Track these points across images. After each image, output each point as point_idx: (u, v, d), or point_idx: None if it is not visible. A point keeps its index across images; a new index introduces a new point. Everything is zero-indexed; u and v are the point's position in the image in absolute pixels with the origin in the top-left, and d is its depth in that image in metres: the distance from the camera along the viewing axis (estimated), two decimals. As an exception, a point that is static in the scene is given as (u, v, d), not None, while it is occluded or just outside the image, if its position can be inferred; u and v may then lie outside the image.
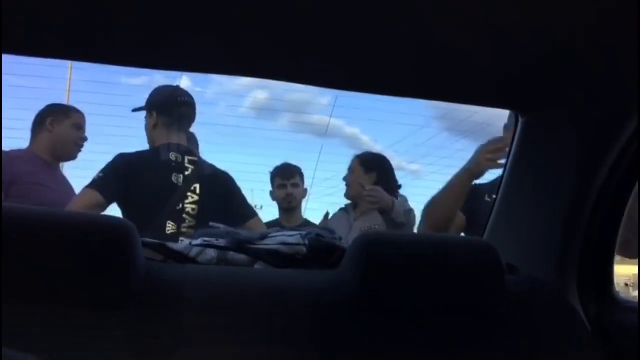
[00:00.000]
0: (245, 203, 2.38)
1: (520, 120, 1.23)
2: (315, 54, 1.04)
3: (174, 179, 2.18)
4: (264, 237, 1.13)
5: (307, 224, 2.92)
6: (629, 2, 0.84)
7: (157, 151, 2.26)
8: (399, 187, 2.71)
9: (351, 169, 2.68)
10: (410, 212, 2.54)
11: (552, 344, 1.02)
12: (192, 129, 2.44)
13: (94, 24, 0.96)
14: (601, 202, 1.13)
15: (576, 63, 1.00)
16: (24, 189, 2.19)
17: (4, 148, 2.37)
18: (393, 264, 0.99)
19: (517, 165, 1.26)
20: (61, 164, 2.67)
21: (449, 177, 1.92)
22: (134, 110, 2.40)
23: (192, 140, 2.45)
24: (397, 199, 2.64)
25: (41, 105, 2.49)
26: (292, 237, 1.12)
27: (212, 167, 2.32)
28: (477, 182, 1.98)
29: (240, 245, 1.09)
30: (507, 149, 1.31)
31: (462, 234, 1.81)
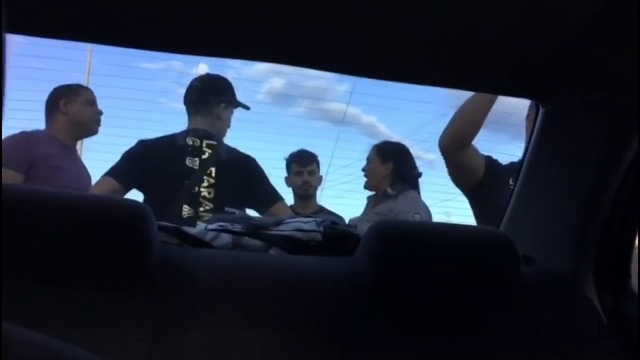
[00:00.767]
0: (269, 187, 2.38)
1: (541, 109, 1.22)
2: (331, 39, 1.03)
3: (188, 162, 2.19)
4: (279, 222, 1.14)
5: (322, 210, 2.92)
6: None
7: (174, 135, 2.28)
8: (419, 175, 2.69)
9: (369, 159, 2.68)
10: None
11: (568, 335, 1.01)
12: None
13: (107, 5, 0.95)
14: (621, 194, 1.11)
15: (597, 49, 0.98)
16: (44, 172, 2.22)
17: (24, 129, 2.41)
18: (407, 252, 0.98)
19: (536, 155, 1.24)
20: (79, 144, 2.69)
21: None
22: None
23: (222, 123, 2.43)
24: (416, 189, 2.62)
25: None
26: (307, 223, 1.12)
27: (234, 151, 2.33)
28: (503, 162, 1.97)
29: (255, 231, 1.09)
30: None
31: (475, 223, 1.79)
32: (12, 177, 2.14)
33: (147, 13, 0.97)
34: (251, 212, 2.34)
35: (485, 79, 1.18)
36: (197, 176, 2.20)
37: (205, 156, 2.23)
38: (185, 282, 0.91)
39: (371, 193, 2.70)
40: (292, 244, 1.08)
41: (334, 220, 1.15)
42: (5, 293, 0.81)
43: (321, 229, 1.11)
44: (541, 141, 1.23)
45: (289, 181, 2.94)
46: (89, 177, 2.42)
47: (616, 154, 1.10)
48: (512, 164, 1.94)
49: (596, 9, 0.89)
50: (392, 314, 0.95)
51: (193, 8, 0.95)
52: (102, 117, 2.51)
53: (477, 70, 1.13)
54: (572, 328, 1.03)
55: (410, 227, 1.10)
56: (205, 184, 2.20)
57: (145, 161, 2.19)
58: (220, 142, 2.32)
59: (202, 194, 2.19)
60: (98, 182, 2.19)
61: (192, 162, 2.21)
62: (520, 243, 1.06)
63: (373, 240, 1.00)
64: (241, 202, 2.21)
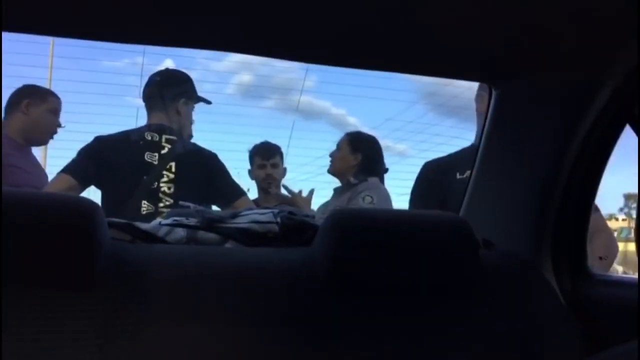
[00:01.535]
0: (231, 182, 2.35)
1: (494, 92, 1.22)
2: (300, 28, 1.02)
3: (147, 157, 2.15)
4: (235, 215, 1.11)
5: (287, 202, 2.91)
6: None
7: (133, 131, 2.23)
8: (386, 171, 2.70)
9: (339, 146, 2.68)
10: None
11: (528, 317, 1.02)
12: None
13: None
14: (575, 176, 1.12)
15: (547, 32, 0.98)
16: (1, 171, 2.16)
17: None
18: (364, 240, 0.97)
19: (490, 139, 1.25)
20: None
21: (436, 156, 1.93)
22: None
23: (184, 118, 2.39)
24: (382, 182, 2.63)
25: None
26: (263, 215, 1.11)
27: (194, 146, 2.29)
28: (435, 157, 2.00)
29: (211, 224, 1.07)
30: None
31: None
32: None
33: (116, 5, 0.95)
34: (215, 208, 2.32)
35: (440, 64, 1.17)
36: (156, 171, 2.16)
37: (164, 151, 2.19)
38: (137, 279, 0.89)
39: (338, 184, 2.69)
40: (248, 237, 1.06)
41: (291, 210, 1.13)
42: None
43: (278, 220, 1.10)
44: (495, 125, 1.23)
45: (252, 174, 2.91)
46: (45, 176, 2.36)
47: (569, 136, 1.11)
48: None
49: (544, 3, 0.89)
50: (351, 302, 0.94)
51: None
52: (67, 115, 2.45)
53: (433, 56, 1.13)
54: (531, 310, 1.03)
55: (367, 215, 1.09)
56: (165, 179, 2.16)
57: (103, 157, 2.13)
58: (180, 137, 2.28)
59: (162, 189, 2.15)
60: (54, 180, 2.13)
61: (151, 157, 2.17)
62: (480, 228, 1.06)
63: (330, 229, 0.99)
64: (203, 198, 2.18)
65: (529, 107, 1.18)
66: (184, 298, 0.88)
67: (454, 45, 1.05)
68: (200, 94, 2.39)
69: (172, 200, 2.13)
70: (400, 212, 1.19)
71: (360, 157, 2.61)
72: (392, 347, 0.93)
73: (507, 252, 1.14)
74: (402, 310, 0.96)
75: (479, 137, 1.28)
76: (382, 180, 2.67)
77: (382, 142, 2.82)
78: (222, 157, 2.35)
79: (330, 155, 2.70)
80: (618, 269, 3.01)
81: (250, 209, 1.16)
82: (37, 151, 2.55)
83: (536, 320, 1.02)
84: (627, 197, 8.74)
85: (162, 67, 2.57)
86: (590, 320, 1.08)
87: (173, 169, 2.18)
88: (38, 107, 2.35)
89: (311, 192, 2.68)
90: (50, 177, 2.28)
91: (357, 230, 0.99)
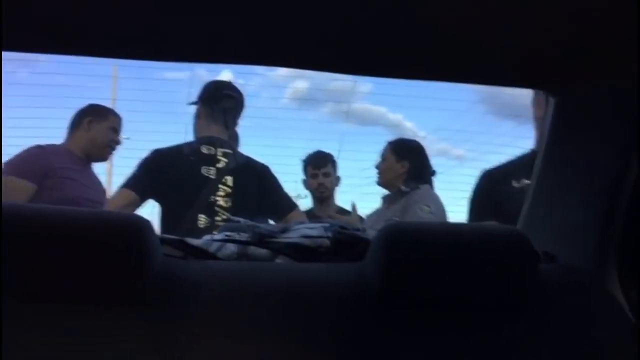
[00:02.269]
0: (283, 195, 2.37)
1: (552, 100, 1.17)
2: (342, 40, 1.01)
3: (204, 171, 2.18)
4: (285, 230, 1.11)
5: (342, 212, 2.90)
6: None
7: (189, 144, 2.27)
8: (434, 173, 2.66)
9: (383, 157, 2.65)
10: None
11: (593, 334, 0.96)
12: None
13: (100, 18, 0.94)
14: (641, 185, 1.06)
15: (609, 37, 0.93)
16: (56, 182, 2.26)
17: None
18: (418, 255, 0.95)
19: (551, 149, 1.19)
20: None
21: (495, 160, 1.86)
22: (190, 104, 2.42)
23: (233, 135, 2.45)
24: (432, 187, 2.59)
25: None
26: (314, 229, 1.10)
27: (248, 159, 2.32)
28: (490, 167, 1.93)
29: (261, 239, 1.07)
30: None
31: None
32: (25, 187, 2.18)
33: (146, 24, 0.96)
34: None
35: (494, 72, 1.14)
36: (213, 185, 2.19)
37: (220, 165, 2.22)
38: (190, 295, 0.89)
39: (386, 192, 2.67)
40: (299, 252, 1.05)
41: (342, 224, 1.12)
42: (7, 312, 0.80)
43: (329, 234, 1.08)
44: (555, 134, 1.18)
45: (306, 184, 2.92)
46: (103, 192, 2.46)
47: (634, 144, 1.05)
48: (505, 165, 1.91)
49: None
50: (404, 318, 0.92)
51: (193, 11, 0.93)
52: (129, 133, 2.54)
53: (485, 63, 1.09)
54: (596, 326, 0.98)
55: (421, 229, 1.06)
56: (222, 192, 2.19)
57: (161, 170, 2.18)
58: (235, 150, 2.30)
59: (218, 202, 2.18)
60: (115, 195, 2.19)
61: (208, 171, 2.20)
62: (539, 240, 1.02)
63: (382, 244, 0.97)
64: (257, 211, 2.20)
65: (590, 116, 1.12)
66: (234, 316, 0.88)
67: (509, 52, 1.02)
68: (257, 101, 2.42)
69: (228, 214, 2.15)
70: (453, 226, 1.15)
71: (407, 164, 2.58)
72: None
73: (569, 266, 1.09)
74: (458, 328, 0.92)
75: (538, 144, 1.23)
76: (431, 185, 2.63)
77: (439, 146, 2.79)
78: (278, 167, 2.39)
79: (377, 167, 2.68)
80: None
81: (301, 222, 1.16)
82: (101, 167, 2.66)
83: (601, 336, 0.97)
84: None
85: (220, 77, 2.62)
86: None
87: (229, 183, 2.20)
88: (99, 125, 2.46)
89: (353, 207, 2.68)
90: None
91: (410, 244, 0.96)
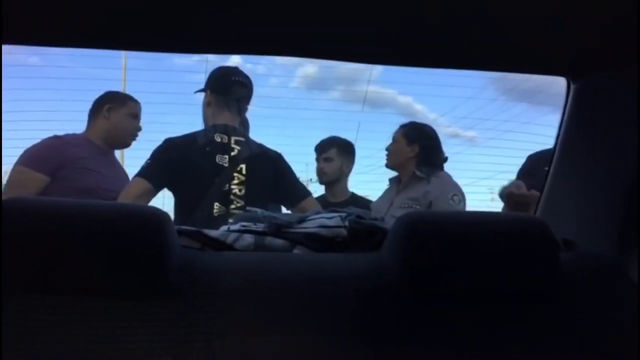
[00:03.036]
0: (296, 183, 2.36)
1: (572, 86, 1.15)
2: (363, 26, 0.99)
3: (218, 160, 2.17)
4: (302, 220, 1.10)
5: (355, 198, 2.89)
6: None
7: (202, 133, 2.26)
8: (445, 159, 2.64)
9: (394, 139, 2.64)
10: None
11: (618, 320, 0.95)
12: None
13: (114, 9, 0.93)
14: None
15: (628, 24, 0.91)
16: (71, 173, 2.25)
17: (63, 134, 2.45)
18: (436, 245, 0.94)
19: (569, 135, 1.18)
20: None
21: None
22: (196, 92, 2.41)
23: (243, 122, 2.44)
24: (442, 170, 2.58)
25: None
26: (331, 219, 1.09)
27: (261, 147, 2.30)
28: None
29: (278, 230, 1.06)
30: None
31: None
32: (37, 179, 2.18)
33: (150, 16, 0.95)
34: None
35: (511, 58, 1.12)
36: (227, 173, 2.18)
37: (234, 153, 2.21)
38: (208, 287, 0.89)
39: (394, 174, 2.66)
40: (316, 242, 1.04)
41: (359, 214, 1.11)
42: (27, 306, 0.81)
43: (346, 224, 1.07)
44: (573, 120, 1.16)
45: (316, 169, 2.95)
46: (127, 179, 2.42)
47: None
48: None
49: None
50: (423, 309, 0.91)
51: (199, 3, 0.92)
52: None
53: (505, 50, 1.07)
54: (618, 314, 0.97)
55: (439, 218, 1.05)
56: (236, 181, 2.19)
57: (175, 160, 2.17)
58: (247, 138, 2.29)
59: (233, 191, 2.17)
60: (130, 184, 2.19)
61: (222, 160, 2.19)
62: (559, 228, 1.01)
63: (400, 233, 0.96)
64: (270, 199, 2.19)
65: (609, 102, 1.10)
66: (254, 307, 0.88)
67: (530, 38, 1.00)
68: (266, 88, 2.42)
69: (242, 202, 2.15)
70: (472, 214, 1.14)
71: (417, 148, 2.56)
72: (466, 355, 0.89)
73: (590, 253, 1.08)
74: (477, 317, 0.92)
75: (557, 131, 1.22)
76: (442, 168, 2.62)
77: (450, 130, 2.77)
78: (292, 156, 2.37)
79: (387, 149, 2.67)
80: None
81: (318, 212, 1.15)
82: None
83: (626, 324, 0.96)
84: None
85: (228, 63, 2.60)
86: None
87: (243, 171, 2.20)
88: (119, 112, 2.45)
89: None
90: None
91: (428, 234, 0.95)
